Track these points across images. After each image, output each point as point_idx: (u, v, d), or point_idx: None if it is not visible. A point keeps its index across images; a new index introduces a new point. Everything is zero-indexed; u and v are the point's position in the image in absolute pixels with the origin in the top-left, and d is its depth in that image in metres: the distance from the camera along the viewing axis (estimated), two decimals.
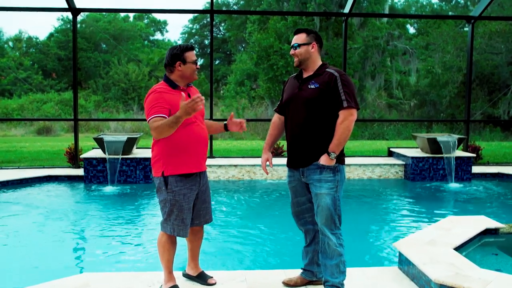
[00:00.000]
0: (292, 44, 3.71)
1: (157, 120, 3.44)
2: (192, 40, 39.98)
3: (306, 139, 3.59)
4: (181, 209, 3.63)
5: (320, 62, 3.69)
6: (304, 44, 3.64)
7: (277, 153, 10.13)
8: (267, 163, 3.87)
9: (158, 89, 3.60)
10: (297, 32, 3.72)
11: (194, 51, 3.75)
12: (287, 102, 3.73)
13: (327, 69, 3.61)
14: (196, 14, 37.24)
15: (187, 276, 4.03)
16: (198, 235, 3.96)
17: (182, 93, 3.43)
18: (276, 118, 3.93)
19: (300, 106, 3.60)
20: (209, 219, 3.92)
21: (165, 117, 3.46)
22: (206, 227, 6.03)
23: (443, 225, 4.88)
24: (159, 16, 42.81)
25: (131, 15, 40.27)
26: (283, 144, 10.54)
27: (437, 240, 4.36)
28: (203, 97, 3.37)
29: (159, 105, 3.50)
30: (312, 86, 3.57)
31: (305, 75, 3.69)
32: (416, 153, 9.83)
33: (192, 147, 3.63)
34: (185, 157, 3.61)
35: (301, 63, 3.68)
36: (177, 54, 3.67)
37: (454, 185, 9.21)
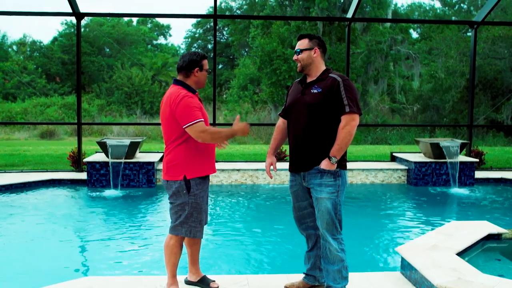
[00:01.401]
0: (295, 49, 3.73)
1: (203, 124, 3.57)
2: (195, 45, 40.07)
3: (308, 144, 3.61)
4: (200, 211, 3.72)
5: (324, 67, 3.71)
6: (306, 49, 3.66)
7: (279, 157, 10.13)
8: (271, 167, 3.90)
9: (187, 94, 3.65)
10: (300, 37, 3.74)
11: None
12: (290, 106, 3.76)
13: (330, 74, 3.62)
14: (199, 19, 37.30)
15: (189, 283, 4.04)
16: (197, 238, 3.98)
17: (238, 116, 3.77)
18: (281, 122, 3.95)
19: (303, 110, 3.62)
20: (206, 219, 3.97)
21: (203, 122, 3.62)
22: (208, 231, 6.05)
23: (445, 230, 4.87)
24: (162, 21, 42.95)
25: (135, 19, 40.38)
26: (286, 148, 10.54)
27: (439, 245, 4.35)
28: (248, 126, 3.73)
29: (198, 109, 3.62)
30: (315, 91, 3.58)
31: (308, 80, 3.71)
32: (419, 158, 9.81)
33: (208, 149, 3.76)
34: (205, 160, 3.74)
35: (303, 68, 3.70)
36: (196, 60, 3.75)
37: (457, 190, 9.19)
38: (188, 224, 3.71)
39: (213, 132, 3.59)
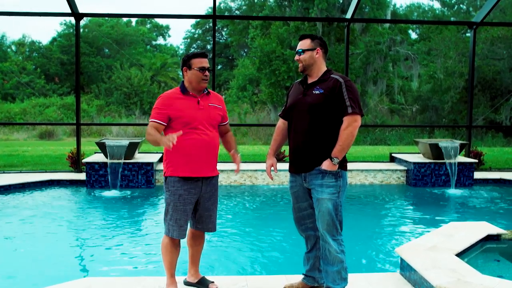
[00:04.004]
0: (296, 49, 3.72)
1: (152, 125, 3.66)
2: (194, 45, 40.06)
3: (309, 145, 3.60)
4: (175, 209, 3.69)
5: (325, 68, 3.70)
6: (308, 50, 3.65)
7: (278, 158, 10.13)
8: (272, 168, 3.90)
9: (164, 94, 3.76)
10: (302, 37, 3.73)
11: (205, 59, 3.76)
12: (291, 107, 3.75)
13: (331, 75, 3.62)
14: (198, 19, 37.31)
15: (188, 284, 4.04)
16: (199, 240, 3.99)
17: (179, 132, 3.52)
18: (281, 123, 3.94)
19: (304, 111, 3.61)
20: (212, 227, 3.94)
21: (160, 123, 3.67)
22: (208, 233, 6.03)
23: (445, 231, 4.87)
24: (161, 21, 42.96)
25: (134, 20, 40.37)
26: (285, 149, 10.53)
27: (439, 246, 4.35)
28: (174, 140, 3.41)
29: (159, 110, 3.68)
30: (317, 92, 3.58)
31: (309, 80, 3.70)
32: (418, 158, 9.82)
33: (192, 152, 3.68)
34: (184, 161, 3.68)
35: (305, 68, 3.69)
36: (184, 60, 3.78)
37: (456, 191, 9.19)
38: (167, 221, 3.74)
39: (148, 133, 3.63)
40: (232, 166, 9.73)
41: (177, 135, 3.44)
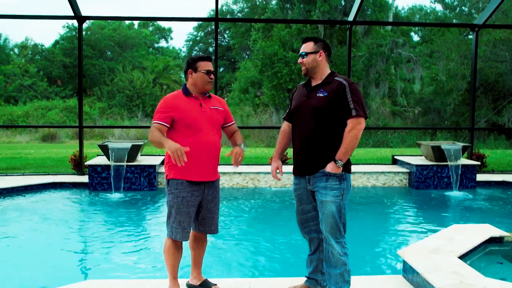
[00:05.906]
0: (300, 52, 3.73)
1: (156, 126, 3.63)
2: (196, 48, 40.13)
3: (314, 147, 3.60)
4: (178, 212, 3.69)
5: (329, 71, 3.71)
6: (311, 53, 3.66)
7: (281, 161, 10.12)
8: (277, 171, 3.90)
9: (167, 97, 3.77)
10: (305, 40, 3.73)
11: (210, 62, 3.79)
12: (295, 110, 3.75)
13: (335, 78, 3.62)
14: (200, 22, 37.38)
15: (190, 286, 4.04)
16: (201, 243, 4.00)
17: (187, 148, 3.46)
18: (285, 126, 3.94)
19: (308, 114, 3.61)
20: (214, 229, 3.95)
21: (164, 125, 3.65)
22: (210, 235, 6.03)
23: (447, 233, 4.86)
24: (163, 24, 43.03)
25: (136, 22, 40.48)
26: (287, 151, 10.53)
27: (441, 248, 4.35)
28: (182, 151, 3.35)
29: (162, 112, 3.67)
30: (321, 95, 3.58)
31: (313, 83, 3.71)
32: (420, 161, 9.81)
33: (195, 156, 3.68)
34: (189, 164, 3.66)
35: (308, 71, 3.70)
36: (189, 62, 3.80)
37: (458, 193, 9.18)
38: (170, 224, 3.74)
39: (152, 134, 3.59)
40: (234, 168, 9.75)
41: (185, 149, 3.41)
